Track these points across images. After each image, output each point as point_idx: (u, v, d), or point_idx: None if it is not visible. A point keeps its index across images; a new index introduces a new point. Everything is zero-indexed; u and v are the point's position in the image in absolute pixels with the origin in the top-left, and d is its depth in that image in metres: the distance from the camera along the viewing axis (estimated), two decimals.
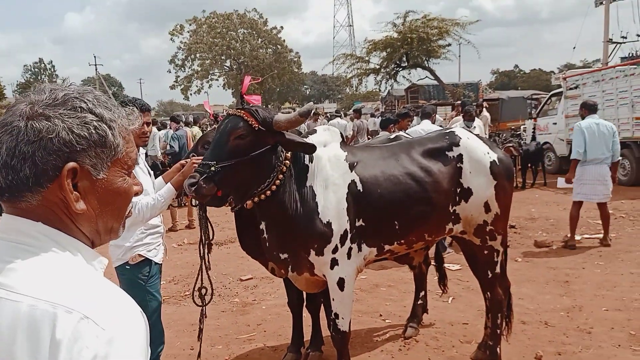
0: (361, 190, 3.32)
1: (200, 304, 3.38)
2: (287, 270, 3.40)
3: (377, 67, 26.16)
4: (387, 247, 3.46)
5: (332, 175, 3.31)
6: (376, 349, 4.16)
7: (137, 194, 1.05)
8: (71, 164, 0.89)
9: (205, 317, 3.50)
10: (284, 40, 42.51)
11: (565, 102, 12.66)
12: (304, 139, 3.17)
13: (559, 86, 14.01)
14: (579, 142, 6.61)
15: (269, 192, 3.13)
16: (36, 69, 64.71)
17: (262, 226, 3.34)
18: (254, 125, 2.97)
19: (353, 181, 3.33)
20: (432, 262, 5.70)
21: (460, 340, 4.21)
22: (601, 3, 24.60)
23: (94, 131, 0.92)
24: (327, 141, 3.45)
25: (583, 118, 6.92)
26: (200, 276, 3.33)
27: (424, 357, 3.97)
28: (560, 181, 7.09)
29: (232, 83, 40.96)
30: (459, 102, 11.82)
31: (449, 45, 25.35)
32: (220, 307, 5.18)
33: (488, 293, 3.72)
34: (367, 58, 26.19)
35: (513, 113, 18.15)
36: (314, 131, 3.55)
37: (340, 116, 15.03)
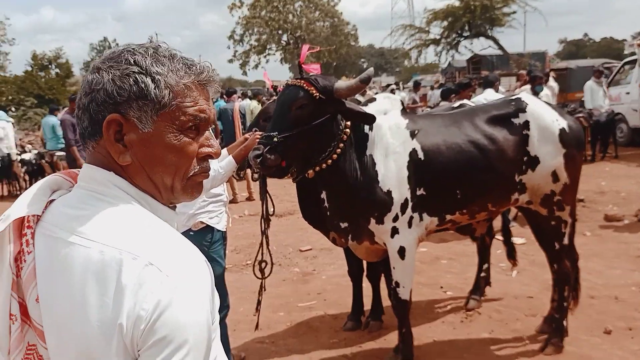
0: (422, 159, 3.27)
1: (260, 277, 3.44)
2: (348, 239, 3.41)
3: (438, 37, 25.46)
4: (448, 216, 3.40)
5: (392, 143, 3.27)
6: (437, 320, 4.14)
7: (209, 156, 1.02)
8: (111, 116, 0.92)
9: (265, 290, 3.54)
10: (341, 13, 42.03)
11: None
12: (364, 109, 3.13)
13: (633, 54, 13.13)
14: None
15: (330, 161, 3.14)
16: (101, 48, 67.16)
17: (323, 195, 3.35)
18: (314, 94, 2.96)
19: (414, 149, 3.28)
20: (496, 237, 5.58)
21: (524, 314, 4.11)
22: None
23: (133, 83, 0.92)
24: (387, 109, 3.40)
25: None
26: (260, 250, 3.38)
27: (486, 329, 3.91)
28: None
29: (289, 58, 41.01)
30: (524, 71, 11.33)
31: (514, 12, 24.29)
32: (281, 276, 5.29)
33: (555, 265, 3.59)
34: (427, 28, 25.51)
35: (582, 83, 17.19)
36: (374, 99, 3.51)
37: (399, 89, 14.80)
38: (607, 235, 5.94)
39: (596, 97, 11.14)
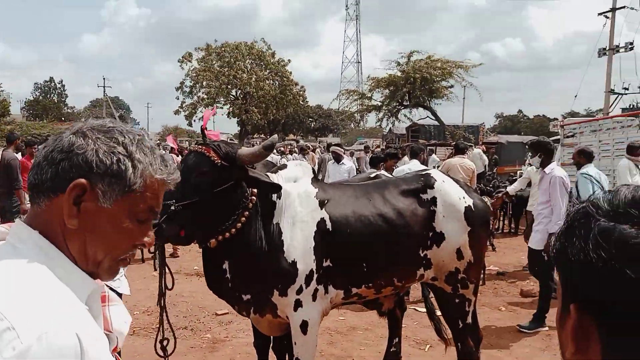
0: (330, 229, 3.22)
1: (163, 355, 3.17)
2: (250, 312, 3.26)
3: (379, 104, 26.39)
4: (354, 290, 3.34)
5: (300, 212, 3.22)
6: None
7: (143, 245, 1.08)
8: (81, 180, 0.96)
9: None
10: (291, 73, 42.97)
11: (562, 149, 12.60)
12: (269, 178, 3.08)
13: (557, 133, 14.00)
14: (589, 191, 6.33)
15: (233, 230, 3.03)
16: (46, 88, 65.62)
17: (225, 266, 3.20)
18: (216, 160, 2.89)
19: (322, 219, 3.23)
20: (415, 308, 5.56)
21: None
22: (604, 54, 24.94)
23: (115, 161, 0.99)
24: (297, 176, 3.37)
25: (580, 166, 6.80)
26: (161, 328, 3.15)
27: None
28: None
29: (237, 112, 41.26)
30: (455, 143, 11.79)
31: (452, 86, 25.62)
32: (190, 343, 5.02)
33: (459, 344, 3.57)
34: (369, 95, 26.45)
35: (511, 158, 18.12)
36: (285, 166, 3.47)
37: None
38: (521, 311, 6.02)
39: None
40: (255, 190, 3.11)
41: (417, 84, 24.14)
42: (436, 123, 25.86)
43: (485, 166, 14.38)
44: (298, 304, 3.15)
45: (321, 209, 3.26)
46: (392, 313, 4.32)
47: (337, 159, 9.29)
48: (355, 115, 29.94)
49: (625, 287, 0.64)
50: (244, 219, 3.05)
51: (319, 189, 3.35)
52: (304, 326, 3.17)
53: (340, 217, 3.26)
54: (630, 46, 24.08)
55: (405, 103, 25.87)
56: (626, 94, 24.67)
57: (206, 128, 3.05)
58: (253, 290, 3.17)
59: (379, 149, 21.67)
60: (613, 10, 24.62)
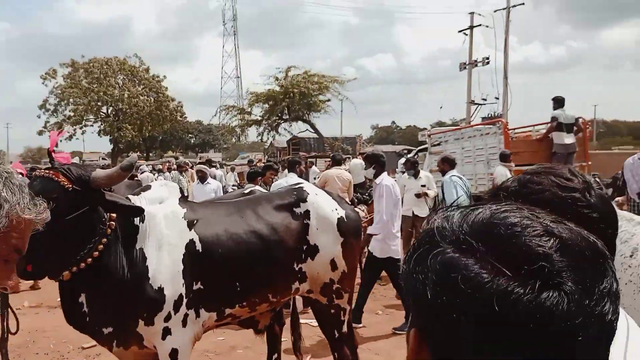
0: (200, 251, 3.09)
1: None
2: (112, 346, 3.01)
3: (260, 118, 26.49)
4: (228, 310, 3.23)
5: (167, 234, 3.05)
6: None
7: (5, 289, 1.03)
8: None
9: None
10: (166, 89, 41.65)
11: (430, 157, 13.43)
12: (129, 201, 2.89)
13: (425, 142, 14.91)
14: (454, 195, 6.77)
15: (90, 259, 2.77)
16: None
17: (82, 299, 2.93)
18: (67, 185, 2.64)
19: (192, 240, 3.09)
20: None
21: None
22: (464, 68, 27.17)
23: None
24: (163, 197, 3.20)
25: (444, 173, 7.26)
26: None
27: None
28: None
29: (109, 130, 39.09)
30: (332, 155, 12.10)
31: (329, 100, 26.43)
32: None
33: (336, 354, 3.60)
34: (249, 110, 26.47)
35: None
36: (149, 187, 3.29)
37: (216, 166, 14.78)
38: (398, 313, 6.25)
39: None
40: (114, 215, 2.90)
41: (295, 98, 24.61)
42: (316, 136, 26.48)
43: (365, 176, 14.88)
44: (167, 332, 2.98)
45: (190, 229, 3.12)
46: (271, 329, 4.26)
47: (202, 178, 8.53)
48: (236, 130, 29.73)
49: (463, 331, 0.57)
50: (101, 246, 2.81)
51: (188, 209, 3.21)
52: (173, 354, 3.00)
53: (210, 237, 3.14)
54: (486, 61, 26.46)
55: (285, 117, 26.26)
56: (485, 104, 27.02)
57: (54, 151, 2.79)
58: (115, 323, 2.94)
59: (261, 163, 21.67)
60: (471, 28, 27.02)
